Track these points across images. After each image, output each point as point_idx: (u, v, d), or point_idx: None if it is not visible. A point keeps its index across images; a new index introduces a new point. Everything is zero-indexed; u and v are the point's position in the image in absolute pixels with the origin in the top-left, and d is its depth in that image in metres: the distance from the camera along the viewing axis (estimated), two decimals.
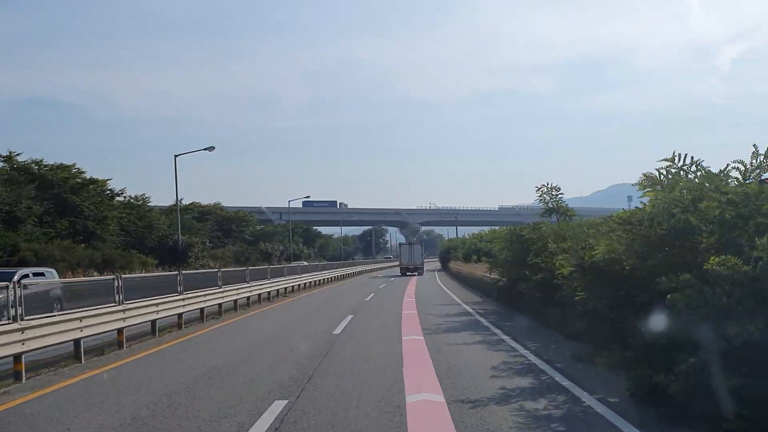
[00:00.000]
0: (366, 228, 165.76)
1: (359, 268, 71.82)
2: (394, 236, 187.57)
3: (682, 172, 7.87)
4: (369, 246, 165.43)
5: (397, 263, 65.42)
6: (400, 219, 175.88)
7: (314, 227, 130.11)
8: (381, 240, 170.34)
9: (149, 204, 50.29)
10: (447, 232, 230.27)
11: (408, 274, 56.70)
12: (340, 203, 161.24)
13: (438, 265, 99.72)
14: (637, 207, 9.18)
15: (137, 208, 47.89)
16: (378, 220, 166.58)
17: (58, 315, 11.80)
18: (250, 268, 28.42)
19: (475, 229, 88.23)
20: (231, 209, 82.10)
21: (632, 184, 9.15)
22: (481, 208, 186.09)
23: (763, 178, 7.24)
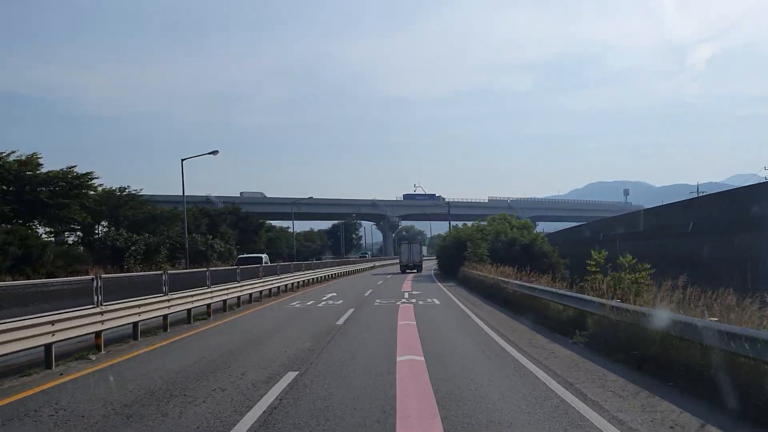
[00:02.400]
0: (336, 222, 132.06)
1: (314, 274, 38.81)
2: (369, 232, 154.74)
3: None
4: (345, 242, 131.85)
5: (373, 264, 66.46)
6: (377, 212, 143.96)
7: (269, 221, 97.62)
8: (354, 235, 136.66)
9: None
10: (430, 228, 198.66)
11: (408, 271, 56.07)
12: (439, 195, 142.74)
13: (432, 264, 70.60)
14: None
15: None
16: (350, 213, 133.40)
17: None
18: None
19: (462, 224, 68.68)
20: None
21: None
22: (470, 200, 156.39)
23: None
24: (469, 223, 52.24)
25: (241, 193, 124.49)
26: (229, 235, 66.34)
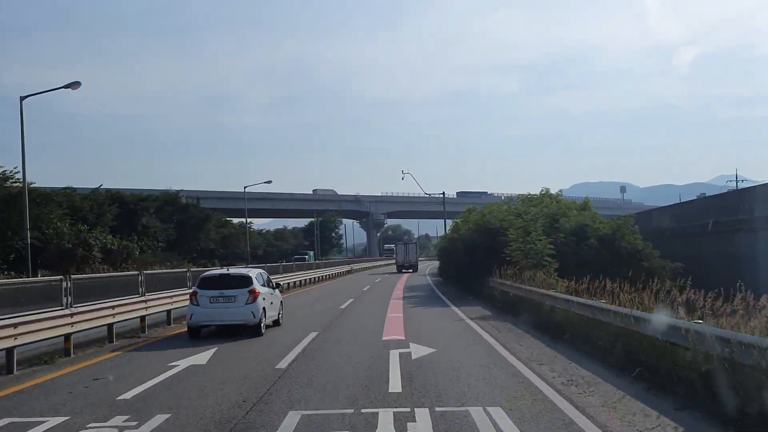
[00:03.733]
0: (312, 219, 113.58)
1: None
2: (351, 231, 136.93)
3: None
4: (324, 241, 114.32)
5: (350, 267, 59.34)
6: (360, 209, 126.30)
7: (226, 218, 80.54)
8: (334, 234, 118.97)
9: None
10: (417, 228, 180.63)
11: (404, 271, 56.20)
12: (491, 193, 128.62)
13: (426, 266, 62.58)
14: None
15: None
16: (329, 209, 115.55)
17: None
18: None
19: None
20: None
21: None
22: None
23: None
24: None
25: (314, 190, 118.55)
26: (155, 229, 48.31)
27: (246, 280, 13.81)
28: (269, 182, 54.29)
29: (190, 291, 14.41)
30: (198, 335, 13.40)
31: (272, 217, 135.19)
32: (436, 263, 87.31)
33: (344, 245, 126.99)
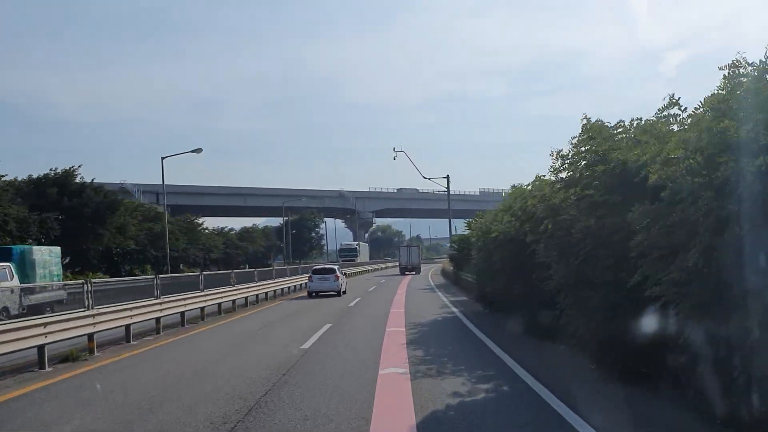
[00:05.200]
0: (291, 217, 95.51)
1: None
2: (333, 230, 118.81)
3: None
4: (303, 242, 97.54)
5: (294, 283, 45.24)
6: (346, 206, 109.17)
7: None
8: (314, 234, 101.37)
9: None
10: (410, 228, 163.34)
11: (406, 273, 57.61)
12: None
13: (428, 280, 43.57)
14: None
15: None
16: (310, 206, 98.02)
17: None
18: None
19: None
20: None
21: None
22: (460, 192, 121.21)
23: None
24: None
25: (398, 189, 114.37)
26: (12, 218, 30.07)
27: (333, 270, 29.87)
28: (199, 150, 35.75)
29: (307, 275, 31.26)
30: (311, 296, 28.18)
31: (248, 216, 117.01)
32: (434, 267, 69.61)
33: (326, 247, 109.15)
